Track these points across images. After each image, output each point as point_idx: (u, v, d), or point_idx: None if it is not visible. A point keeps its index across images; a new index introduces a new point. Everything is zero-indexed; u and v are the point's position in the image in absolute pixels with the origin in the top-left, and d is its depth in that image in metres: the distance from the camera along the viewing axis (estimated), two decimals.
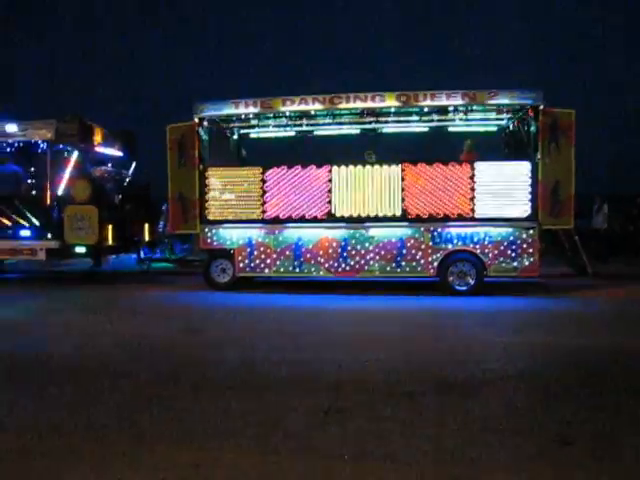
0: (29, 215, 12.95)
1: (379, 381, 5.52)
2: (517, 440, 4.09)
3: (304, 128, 12.81)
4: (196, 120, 11.54)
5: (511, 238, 10.57)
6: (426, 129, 12.58)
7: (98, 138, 13.54)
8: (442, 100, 10.72)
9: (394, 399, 4.96)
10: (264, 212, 11.32)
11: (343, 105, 11.08)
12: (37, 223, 12.93)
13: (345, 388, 5.31)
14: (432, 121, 12.16)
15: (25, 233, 12.99)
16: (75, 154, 12.97)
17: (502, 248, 10.59)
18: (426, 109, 11.27)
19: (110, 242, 12.90)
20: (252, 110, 11.48)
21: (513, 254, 10.56)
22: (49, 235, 12.81)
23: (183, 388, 5.40)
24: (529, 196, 10.48)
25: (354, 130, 12.82)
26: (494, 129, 12.64)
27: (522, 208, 10.53)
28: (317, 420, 4.54)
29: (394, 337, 7.43)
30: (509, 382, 5.43)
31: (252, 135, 13.51)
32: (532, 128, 10.59)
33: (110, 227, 12.81)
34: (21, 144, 13.31)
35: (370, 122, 12.42)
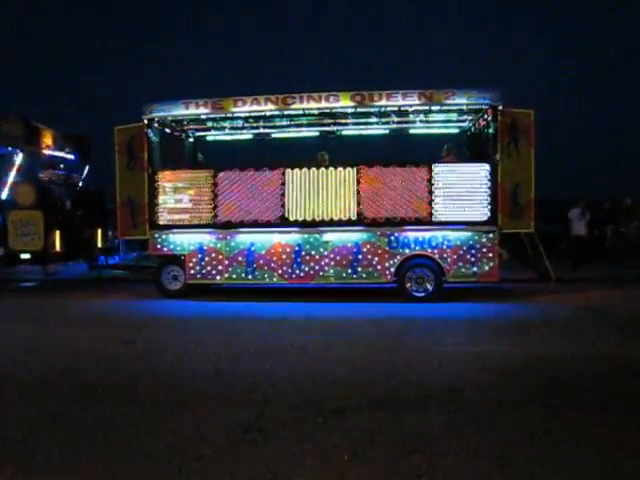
0: None
1: (313, 396, 5.09)
2: (449, 461, 3.69)
3: (261, 130, 12.43)
4: (145, 121, 11.06)
5: (470, 242, 10.25)
6: (386, 131, 12.26)
7: (47, 140, 13.03)
8: (398, 100, 10.38)
9: (322, 416, 4.54)
10: (215, 216, 10.87)
11: (296, 105, 10.68)
12: None
13: (273, 404, 4.88)
14: (392, 123, 11.84)
15: None
16: (19, 157, 12.41)
17: (461, 253, 10.26)
18: (386, 109, 10.88)
19: (58, 249, 12.34)
20: (203, 111, 11.03)
21: (472, 259, 10.24)
22: None
23: (93, 403, 4.93)
24: (488, 199, 10.18)
25: (313, 133, 12.45)
26: (456, 131, 12.35)
27: (481, 211, 10.22)
28: (234, 440, 4.10)
29: (339, 347, 7.01)
30: (450, 396, 5.04)
31: (208, 138, 13.07)
32: (491, 129, 10.29)
33: (58, 233, 12.27)
34: None
35: (329, 124, 12.06)
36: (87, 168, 14.39)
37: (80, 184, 14.32)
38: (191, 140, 12.98)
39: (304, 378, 5.68)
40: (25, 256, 12.17)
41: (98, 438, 4.20)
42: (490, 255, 10.20)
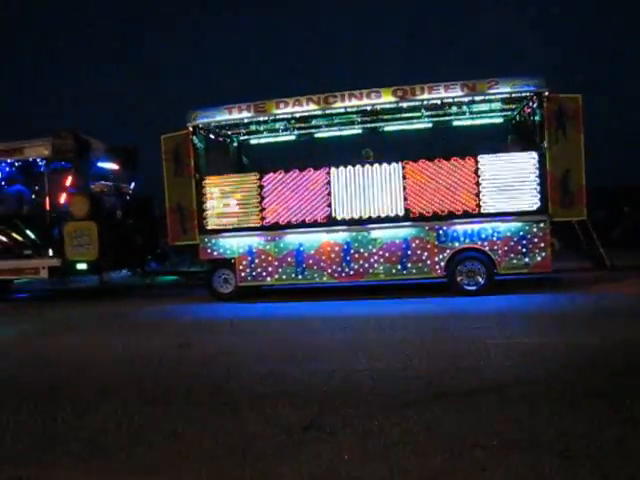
0: (30, 234, 12.82)
1: (371, 392, 5.10)
2: (513, 455, 3.65)
3: (304, 131, 12.49)
4: (190, 128, 11.26)
5: (521, 233, 10.06)
6: (430, 125, 12.14)
7: (97, 153, 13.36)
8: (440, 92, 10.27)
9: (382, 413, 4.54)
10: (263, 219, 10.98)
11: (338, 104, 10.69)
12: (38, 241, 12.78)
13: (332, 401, 4.90)
14: (436, 116, 11.73)
15: (27, 252, 12.85)
16: (72, 170, 12.79)
17: (512, 244, 10.09)
18: (428, 103, 10.78)
19: (111, 257, 12.68)
20: (246, 115, 11.16)
21: (524, 249, 10.06)
22: (50, 253, 12.64)
23: (155, 405, 5.06)
24: (538, 188, 9.98)
25: (355, 130, 12.42)
26: (500, 120, 12.14)
27: (531, 201, 10.02)
28: (295, 439, 4.15)
29: (395, 343, 7.00)
30: (510, 389, 4.97)
31: (252, 141, 13.21)
32: (537, 117, 10.08)
33: (111, 242, 12.59)
34: (19, 163, 13.18)
35: (371, 121, 12.03)
36: (135, 177, 14.71)
37: (129, 193, 14.66)
38: (235, 144, 13.14)
39: (361, 375, 5.68)
40: (81, 266, 12.52)
41: (163, 438, 4.31)
42: (542, 245, 10.00)
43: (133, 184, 14.67)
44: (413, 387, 5.15)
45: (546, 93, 9.93)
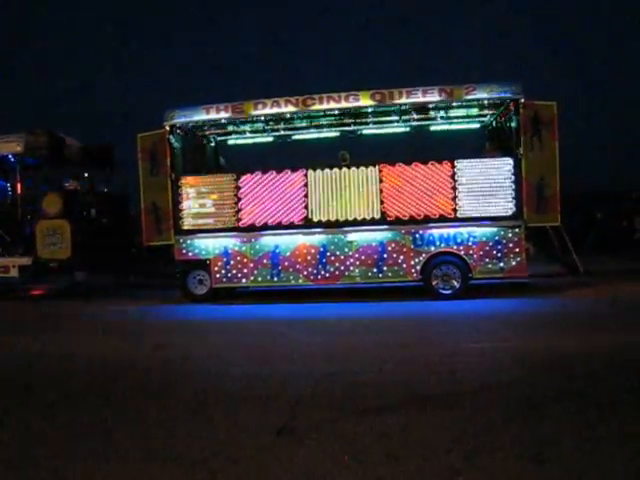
0: (0, 231, 12.56)
1: (344, 396, 5.06)
2: (487, 459, 3.64)
3: (282, 133, 12.45)
4: (167, 128, 11.15)
5: (496, 238, 10.17)
6: (407, 129, 12.19)
7: (71, 150, 13.16)
8: (418, 97, 10.34)
9: (357, 417, 4.51)
10: (239, 220, 10.92)
11: (316, 106, 10.71)
12: (8, 239, 12.53)
13: (306, 405, 4.86)
14: (413, 120, 11.77)
15: None
16: (46, 167, 12.58)
17: (487, 248, 10.18)
18: (405, 107, 10.84)
19: (84, 256, 12.48)
20: (224, 115, 11.10)
21: (499, 254, 10.16)
22: (21, 251, 12.41)
23: (125, 407, 4.97)
24: (513, 193, 10.10)
25: (333, 133, 12.43)
26: (477, 126, 12.25)
27: (506, 206, 10.13)
28: (267, 442, 4.10)
29: (369, 346, 6.99)
30: (485, 394, 4.98)
31: (230, 142, 13.14)
32: (513, 123, 10.20)
33: (84, 241, 12.40)
34: None
35: (349, 124, 12.04)
36: (110, 176, 14.52)
37: (104, 192, 14.46)
38: (212, 145, 13.06)
39: (335, 379, 5.65)
40: (53, 265, 12.32)
41: (132, 441, 4.23)
42: (517, 250, 10.10)
43: (108, 183, 14.48)
44: (388, 391, 5.13)
45: (522, 100, 10.04)
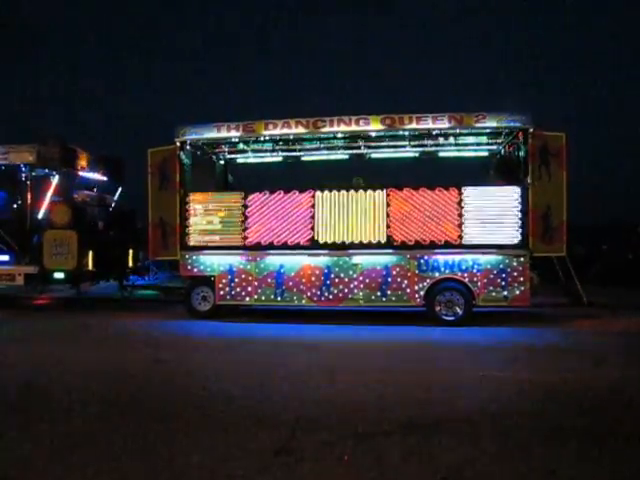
0: (8, 239, 12.64)
1: (344, 419, 5.07)
2: None
3: (292, 153, 12.54)
4: (177, 144, 11.26)
5: (501, 266, 10.16)
6: (416, 154, 12.26)
7: (82, 162, 13.30)
8: (428, 123, 10.42)
9: (355, 440, 4.51)
10: (245, 238, 10.97)
11: (327, 129, 10.79)
12: (16, 247, 12.61)
13: (305, 426, 4.86)
14: (422, 146, 11.84)
15: (4, 258, 12.66)
16: (56, 178, 12.70)
17: (491, 276, 10.18)
18: (415, 133, 10.92)
19: (90, 268, 12.54)
20: (234, 134, 11.20)
21: (503, 283, 10.15)
22: (28, 260, 12.49)
23: (124, 421, 4.97)
24: (519, 222, 10.11)
25: (343, 155, 12.51)
26: (485, 154, 12.30)
27: (512, 234, 10.15)
28: (265, 462, 4.10)
29: (370, 370, 6.98)
30: (484, 422, 4.97)
31: (239, 161, 13.23)
32: (522, 152, 10.26)
33: (91, 253, 12.47)
34: (2, 168, 13.03)
35: (359, 147, 12.12)
36: (119, 189, 14.64)
37: (113, 205, 14.57)
38: (222, 162, 13.15)
39: (336, 401, 5.65)
40: (59, 275, 12.37)
41: (130, 456, 4.24)
42: (521, 279, 10.10)
43: (117, 195, 14.59)
44: (387, 416, 5.13)
45: (531, 129, 10.10)
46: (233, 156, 13.03)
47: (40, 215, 12.62)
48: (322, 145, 12.09)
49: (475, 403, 5.53)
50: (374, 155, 12.40)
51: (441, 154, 12.09)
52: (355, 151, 12.28)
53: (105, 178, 14.18)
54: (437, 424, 4.90)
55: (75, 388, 6.22)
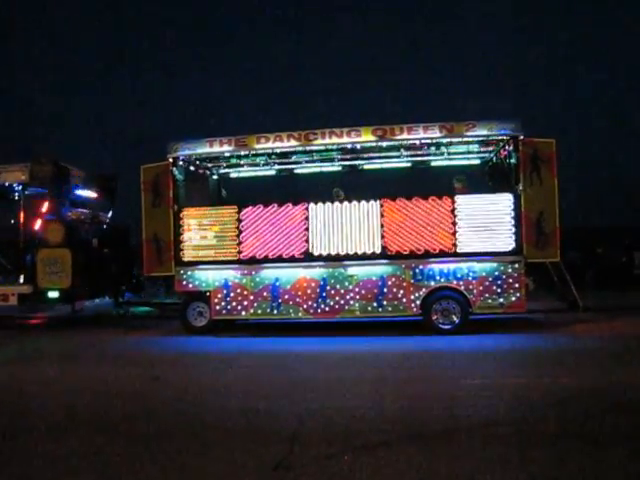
0: (1, 259, 12.60)
1: (342, 431, 5.04)
2: None
3: (285, 167, 12.58)
4: (170, 160, 11.27)
5: (496, 273, 10.18)
6: (409, 164, 12.32)
7: (75, 180, 13.27)
8: (419, 133, 10.46)
9: (354, 452, 4.49)
10: (240, 252, 10.95)
11: (319, 141, 10.82)
12: (9, 267, 12.56)
13: (303, 440, 4.83)
14: (414, 156, 11.90)
15: None
16: (49, 197, 12.66)
17: (487, 284, 10.19)
18: (406, 143, 10.96)
19: (84, 286, 12.49)
20: (227, 148, 11.22)
21: (498, 290, 10.16)
22: (21, 279, 12.42)
23: (122, 439, 4.94)
24: (513, 229, 10.14)
25: (336, 167, 12.54)
26: (477, 162, 12.36)
27: (506, 241, 10.17)
28: (264, 478, 4.07)
29: (367, 381, 6.95)
30: (482, 431, 4.95)
31: (232, 175, 13.26)
32: (513, 159, 10.30)
33: (84, 271, 12.42)
34: None
35: (351, 158, 12.16)
36: (113, 206, 14.62)
37: (106, 222, 14.54)
38: (215, 177, 13.17)
39: (333, 413, 5.61)
40: (53, 294, 12.31)
41: (127, 475, 4.20)
42: (516, 285, 10.11)
43: (110, 213, 14.57)
44: (385, 427, 5.10)
45: (521, 137, 10.16)
46: (226, 170, 13.05)
47: (33, 234, 12.57)
48: (314, 158, 12.10)
49: (473, 411, 5.51)
50: (367, 166, 12.45)
51: (433, 163, 12.15)
52: (347, 162, 12.33)
53: (98, 195, 14.15)
54: (437, 434, 4.88)
55: (73, 406, 6.18)
